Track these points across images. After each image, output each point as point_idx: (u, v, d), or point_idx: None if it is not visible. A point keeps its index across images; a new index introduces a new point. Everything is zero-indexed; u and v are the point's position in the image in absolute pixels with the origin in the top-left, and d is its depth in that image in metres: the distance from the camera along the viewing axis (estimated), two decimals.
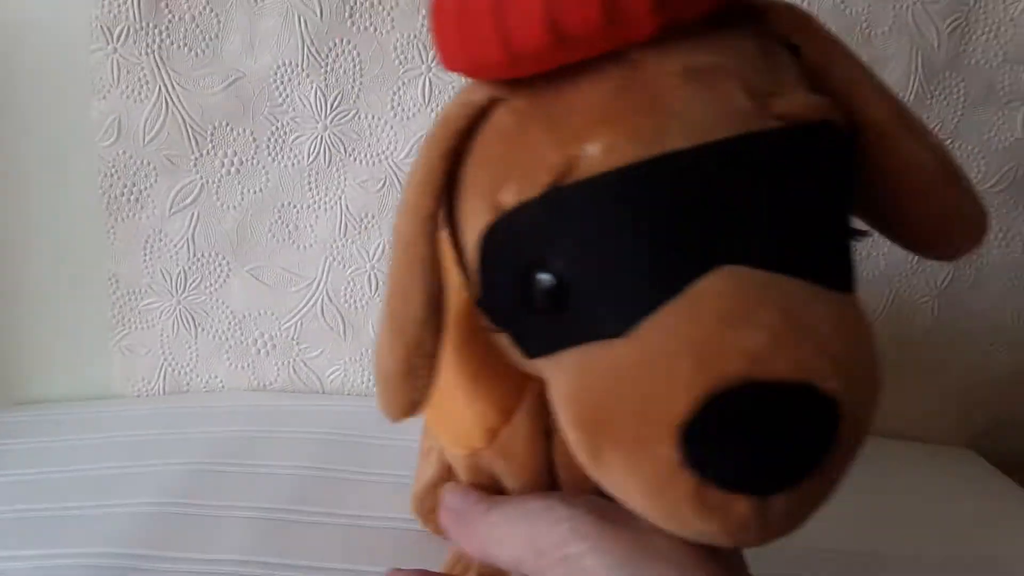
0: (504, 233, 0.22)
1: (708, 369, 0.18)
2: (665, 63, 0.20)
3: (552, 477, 0.28)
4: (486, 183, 0.22)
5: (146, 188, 0.56)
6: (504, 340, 0.24)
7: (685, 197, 0.19)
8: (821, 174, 0.20)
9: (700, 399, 0.18)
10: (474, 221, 0.22)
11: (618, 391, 0.19)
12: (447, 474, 0.38)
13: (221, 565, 0.39)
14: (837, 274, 0.20)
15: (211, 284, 0.59)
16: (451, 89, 0.55)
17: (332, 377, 0.62)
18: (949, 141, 0.56)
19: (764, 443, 0.18)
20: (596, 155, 0.20)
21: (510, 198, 0.21)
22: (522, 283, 0.21)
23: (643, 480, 0.19)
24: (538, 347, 0.22)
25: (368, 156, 0.57)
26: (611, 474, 0.20)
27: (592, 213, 0.20)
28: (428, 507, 0.41)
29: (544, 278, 0.21)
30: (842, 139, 0.21)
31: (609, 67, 0.21)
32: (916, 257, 0.58)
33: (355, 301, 0.60)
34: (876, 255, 0.58)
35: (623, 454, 0.19)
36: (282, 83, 0.55)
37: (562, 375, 0.21)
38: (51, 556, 0.39)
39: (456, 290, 0.26)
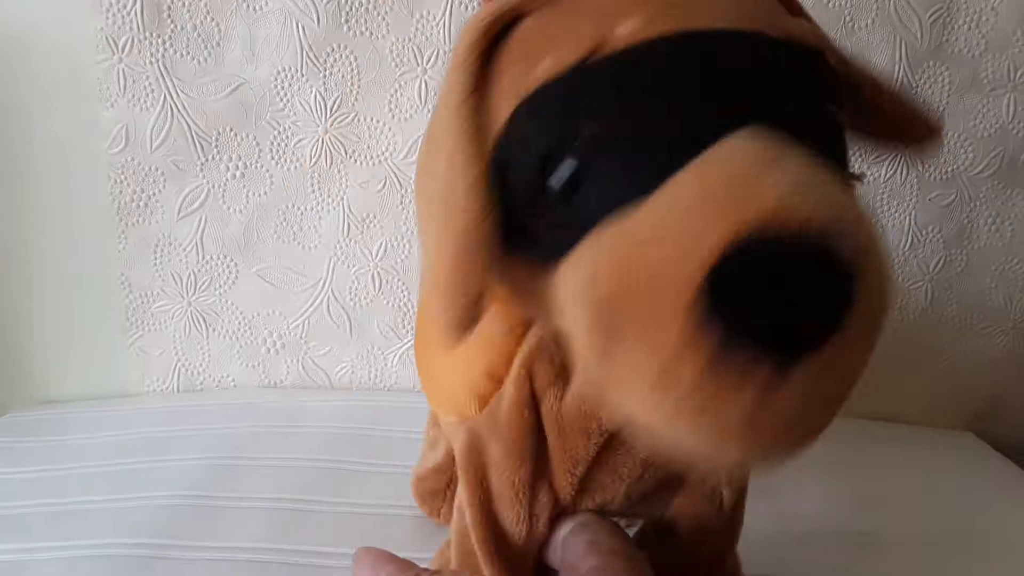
0: (534, 107, 0.22)
1: (734, 214, 0.17)
2: None
3: (538, 445, 0.29)
4: (518, 70, 0.23)
5: (155, 194, 0.58)
6: (516, 270, 0.24)
7: (708, 69, 0.21)
8: (826, 86, 0.23)
9: (727, 243, 0.17)
10: (504, 108, 0.23)
11: (637, 258, 0.19)
12: (451, 462, 0.40)
13: (238, 553, 0.40)
14: (833, 158, 0.21)
15: (220, 286, 0.61)
16: None
17: (340, 374, 0.63)
18: None
19: (790, 292, 0.17)
20: (629, 31, 0.21)
21: (542, 72, 0.22)
22: (543, 163, 0.22)
23: (657, 355, 0.18)
24: (553, 247, 0.22)
25: (368, 157, 0.58)
26: (623, 359, 0.19)
27: (622, 81, 0.21)
28: (426, 488, 0.43)
29: (569, 159, 0.21)
30: (825, 62, 0.23)
31: None
32: (908, 244, 0.60)
33: (360, 299, 0.61)
34: None
35: (639, 331, 0.18)
36: (283, 88, 0.57)
37: (574, 271, 0.21)
38: (73, 548, 0.41)
39: None
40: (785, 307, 0.17)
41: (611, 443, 0.29)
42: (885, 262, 0.19)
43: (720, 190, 0.18)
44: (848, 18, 0.55)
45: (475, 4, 0.55)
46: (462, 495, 0.31)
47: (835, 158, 0.22)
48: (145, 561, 0.40)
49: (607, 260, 0.20)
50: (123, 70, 0.55)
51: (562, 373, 0.28)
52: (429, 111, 0.57)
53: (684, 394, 0.18)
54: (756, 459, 0.19)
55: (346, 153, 0.58)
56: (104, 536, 0.41)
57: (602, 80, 0.21)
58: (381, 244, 0.60)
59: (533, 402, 0.29)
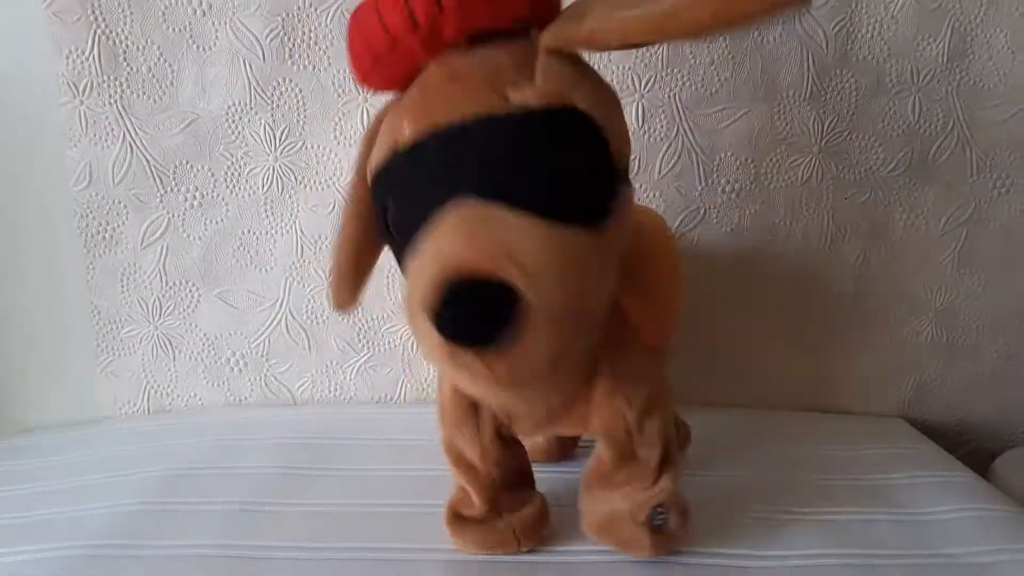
0: (375, 184, 0.36)
1: (441, 271, 0.30)
2: (440, 72, 0.34)
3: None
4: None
5: (119, 226, 0.62)
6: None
7: (444, 154, 0.32)
8: (551, 141, 0.32)
9: (439, 289, 0.30)
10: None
11: (411, 280, 0.32)
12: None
13: (188, 550, 0.43)
14: (565, 211, 0.31)
15: (184, 310, 0.64)
16: None
17: (301, 389, 0.67)
18: (847, 132, 0.61)
19: (471, 311, 0.30)
20: (405, 135, 0.34)
21: (373, 162, 0.36)
22: (383, 212, 0.36)
23: (426, 341, 0.31)
24: (400, 265, 0.35)
25: (317, 182, 0.62)
26: (419, 339, 0.32)
27: (400, 167, 0.34)
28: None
29: (387, 212, 0.35)
30: (574, 118, 0.33)
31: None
32: (829, 242, 0.63)
33: (316, 317, 0.65)
34: (792, 244, 0.63)
35: (417, 327, 0.31)
36: (234, 122, 0.60)
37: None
38: (42, 551, 0.44)
39: None
40: (467, 316, 0.30)
41: None
42: (562, 294, 0.30)
43: (440, 245, 0.31)
44: (757, 33, 0.59)
45: None
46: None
47: (557, 206, 0.31)
48: (100, 561, 0.43)
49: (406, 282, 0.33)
50: (84, 112, 0.60)
51: None
52: None
53: (443, 362, 0.31)
54: (510, 392, 0.34)
55: (296, 179, 0.62)
56: (65, 540, 0.44)
57: (391, 169, 0.35)
58: None
59: None
